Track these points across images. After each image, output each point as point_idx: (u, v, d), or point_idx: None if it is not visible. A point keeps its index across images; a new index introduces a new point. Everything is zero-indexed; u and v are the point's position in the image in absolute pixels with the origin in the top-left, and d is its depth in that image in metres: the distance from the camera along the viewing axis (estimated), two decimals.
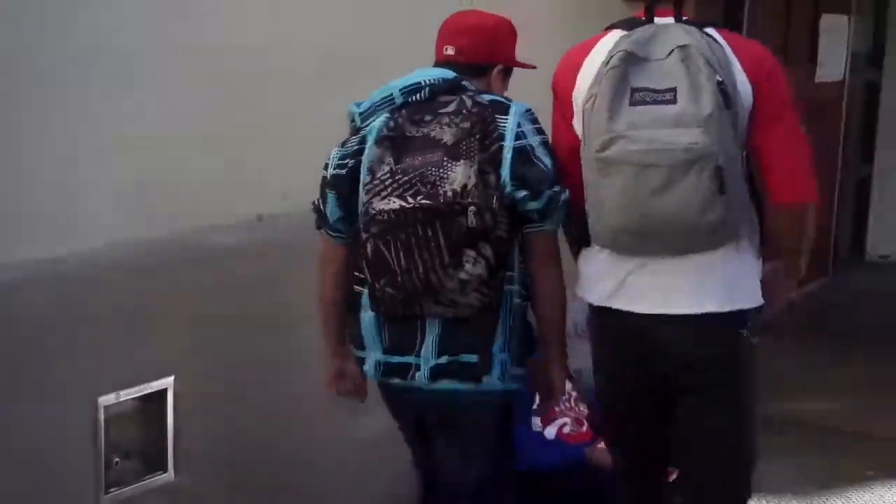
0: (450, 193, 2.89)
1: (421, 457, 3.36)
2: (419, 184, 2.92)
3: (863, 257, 9.19)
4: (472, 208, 2.89)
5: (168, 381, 3.62)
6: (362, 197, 3.03)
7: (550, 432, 4.40)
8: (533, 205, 3.02)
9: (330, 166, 3.15)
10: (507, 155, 3.00)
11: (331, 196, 3.16)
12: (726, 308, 3.08)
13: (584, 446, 4.40)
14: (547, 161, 3.06)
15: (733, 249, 3.06)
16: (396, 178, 2.95)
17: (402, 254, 2.92)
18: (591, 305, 3.26)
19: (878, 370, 6.31)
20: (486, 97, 3.08)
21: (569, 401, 4.51)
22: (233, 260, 3.81)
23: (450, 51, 3.20)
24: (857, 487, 4.95)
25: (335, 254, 3.23)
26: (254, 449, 3.89)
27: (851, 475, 5.06)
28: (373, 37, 4.21)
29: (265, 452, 3.91)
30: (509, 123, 3.03)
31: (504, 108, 3.07)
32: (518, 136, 3.03)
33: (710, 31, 3.04)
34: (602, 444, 4.00)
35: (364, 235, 3.00)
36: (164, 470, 3.66)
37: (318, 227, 3.23)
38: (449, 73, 3.11)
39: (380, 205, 2.95)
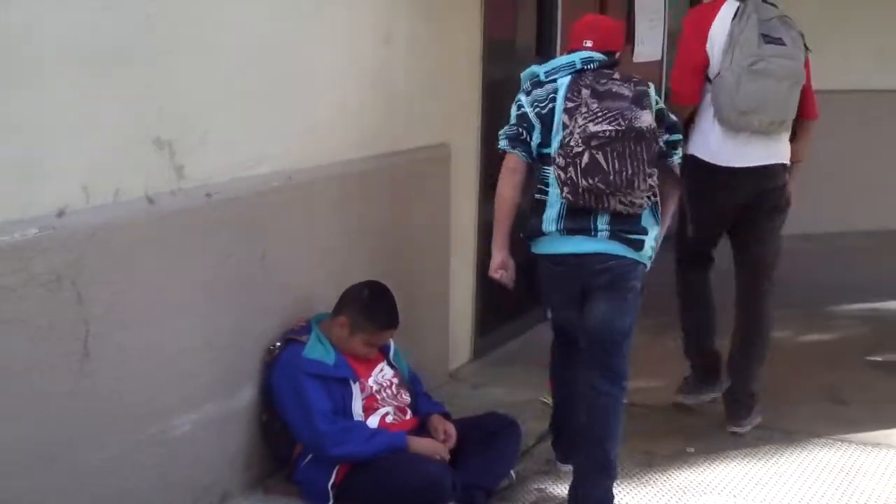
0: (648, 126, 4.19)
1: (571, 317, 4.47)
2: (620, 118, 4.16)
3: None
4: (660, 140, 4.33)
5: None
6: (570, 123, 4.20)
7: (373, 422, 4.35)
8: (671, 140, 4.45)
9: (526, 106, 4.39)
10: (655, 111, 4.31)
11: (537, 127, 4.35)
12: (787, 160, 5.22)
13: (407, 434, 4.39)
14: (673, 117, 4.51)
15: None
16: (604, 111, 4.18)
17: (615, 161, 4.15)
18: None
19: None
20: (633, 75, 4.41)
21: (390, 388, 4.48)
22: None
23: (588, 43, 4.45)
24: (679, 465, 5.01)
25: (523, 167, 4.42)
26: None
27: (672, 452, 5.14)
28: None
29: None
30: (652, 94, 4.34)
31: (648, 84, 4.38)
32: (657, 102, 4.37)
33: (778, 9, 5.14)
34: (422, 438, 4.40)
35: (579, 149, 4.15)
36: None
37: (512, 148, 4.39)
38: (602, 56, 4.41)
39: (595, 128, 4.15)
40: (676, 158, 4.49)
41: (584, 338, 4.46)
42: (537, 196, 4.40)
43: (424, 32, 5.39)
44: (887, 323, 7.23)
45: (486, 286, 6.11)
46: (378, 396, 4.45)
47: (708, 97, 5.10)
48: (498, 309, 6.42)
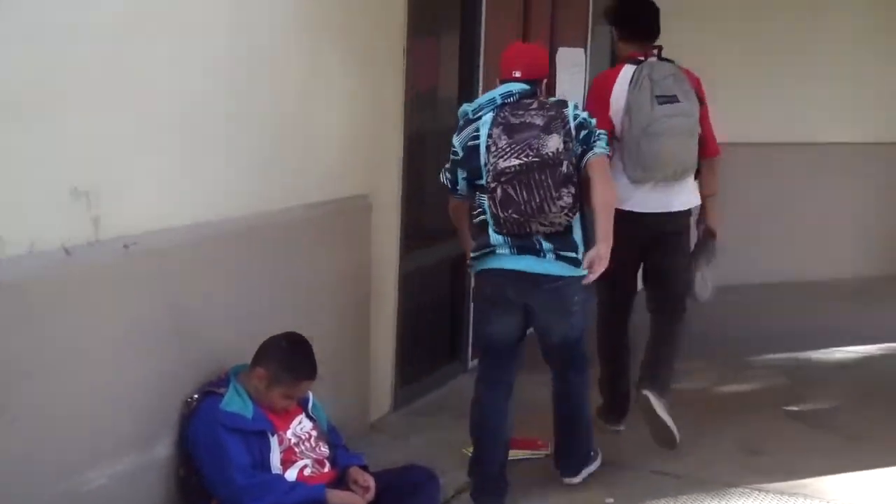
0: (552, 153, 4.65)
1: (508, 333, 4.97)
2: (528, 149, 4.66)
3: None
4: (566, 162, 4.67)
5: None
6: (488, 160, 4.73)
7: (292, 475, 4.33)
8: (586, 147, 4.79)
9: (457, 147, 4.91)
10: (572, 127, 4.77)
11: (466, 164, 4.88)
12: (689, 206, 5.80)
13: (326, 486, 4.37)
14: (592, 121, 4.88)
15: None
16: (512, 146, 4.67)
17: (523, 191, 4.64)
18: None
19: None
20: (551, 99, 4.94)
21: (309, 441, 4.45)
22: None
23: (517, 73, 4.92)
24: None
25: (461, 205, 5.11)
26: None
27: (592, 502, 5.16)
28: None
29: None
30: (569, 111, 4.81)
31: (564, 103, 4.88)
32: (575, 117, 4.81)
33: (677, 64, 5.69)
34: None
35: (493, 185, 4.69)
36: None
37: (449, 189, 5.05)
38: (524, 86, 4.87)
39: (503, 164, 4.67)
40: (598, 149, 4.82)
41: (542, 349, 5.10)
42: (478, 219, 4.95)
43: (345, 84, 5.42)
44: (803, 373, 7.30)
45: (407, 336, 6.12)
46: (297, 449, 4.41)
47: (616, 153, 5.54)
48: (420, 359, 6.43)
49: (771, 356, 7.14)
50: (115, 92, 3.96)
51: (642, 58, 5.67)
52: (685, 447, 5.58)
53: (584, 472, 5.31)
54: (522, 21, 7.42)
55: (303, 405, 4.55)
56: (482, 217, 4.90)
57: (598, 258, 4.72)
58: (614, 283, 5.51)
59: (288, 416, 4.46)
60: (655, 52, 5.72)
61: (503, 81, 4.95)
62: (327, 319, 5.28)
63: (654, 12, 5.87)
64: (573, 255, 4.81)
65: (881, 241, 10.27)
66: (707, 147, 5.80)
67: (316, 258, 5.23)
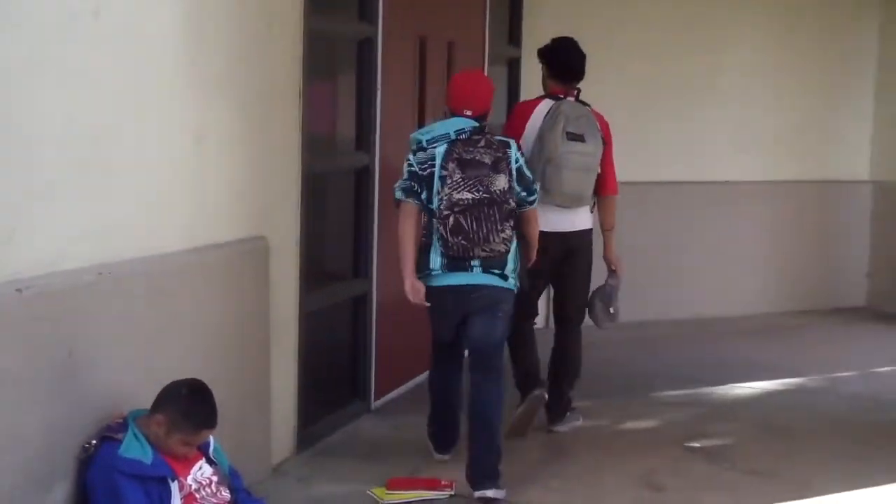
0: (500, 191, 5.41)
1: (453, 334, 5.75)
2: (479, 185, 5.38)
3: None
4: (511, 199, 5.47)
5: None
6: (442, 190, 5.42)
7: None
8: (525, 196, 5.64)
9: (415, 165, 5.56)
10: (514, 170, 5.53)
11: (416, 184, 5.55)
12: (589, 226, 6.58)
13: None
14: (528, 172, 5.69)
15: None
16: (465, 181, 5.39)
17: (473, 223, 5.38)
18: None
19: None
20: (497, 137, 5.61)
21: (210, 486, 4.41)
22: None
23: (468, 112, 5.59)
24: None
25: (416, 210, 5.62)
26: None
27: None
28: None
29: None
30: (512, 153, 5.57)
31: (508, 144, 5.61)
32: (517, 160, 5.59)
33: (590, 108, 6.46)
34: None
35: (446, 213, 5.40)
36: None
37: (406, 198, 5.60)
38: (474, 123, 5.55)
39: (457, 196, 5.38)
40: (530, 206, 5.71)
41: (469, 348, 5.75)
42: (424, 239, 5.63)
43: (240, 128, 5.39)
44: (704, 408, 7.38)
45: (309, 377, 6.08)
46: (197, 495, 4.35)
47: None
48: (322, 399, 6.39)
49: (673, 392, 7.21)
50: (4, 139, 3.90)
51: (563, 96, 6.45)
52: (587, 482, 5.60)
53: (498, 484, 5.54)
54: (419, 64, 7.48)
55: (203, 450, 4.49)
56: (427, 240, 5.60)
57: (530, 259, 5.83)
58: (523, 301, 6.05)
59: (188, 462, 4.40)
60: (575, 92, 6.48)
61: (453, 113, 5.63)
62: (226, 362, 5.23)
63: (582, 57, 6.60)
64: (499, 270, 5.54)
65: (778, 277, 10.46)
66: (607, 185, 6.54)
67: (213, 300, 5.19)
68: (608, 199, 6.60)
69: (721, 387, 7.87)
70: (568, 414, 6.64)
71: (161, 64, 4.83)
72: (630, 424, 7.03)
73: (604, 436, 6.65)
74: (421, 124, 7.05)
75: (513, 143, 5.65)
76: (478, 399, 5.60)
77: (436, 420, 6.09)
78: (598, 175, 6.44)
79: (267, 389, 5.71)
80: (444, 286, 5.58)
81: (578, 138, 6.26)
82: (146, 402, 4.38)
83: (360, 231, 6.83)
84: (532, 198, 5.69)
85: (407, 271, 5.61)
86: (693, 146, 9.96)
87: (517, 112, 6.72)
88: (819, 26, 10.41)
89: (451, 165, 5.39)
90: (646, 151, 9.15)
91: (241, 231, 5.45)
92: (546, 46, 6.74)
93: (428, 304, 5.64)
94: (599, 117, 6.48)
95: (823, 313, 10.39)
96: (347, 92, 6.81)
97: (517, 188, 5.55)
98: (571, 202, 6.35)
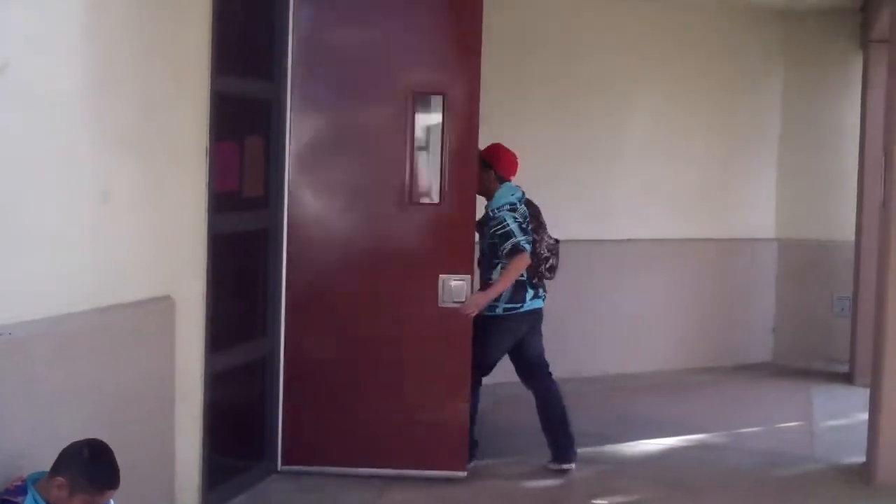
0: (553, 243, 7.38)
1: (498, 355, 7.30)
2: (547, 238, 7.35)
3: None
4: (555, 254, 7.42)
5: None
6: (540, 238, 7.26)
7: None
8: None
9: (522, 221, 7.08)
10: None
11: (529, 239, 7.09)
12: None
13: None
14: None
15: None
16: (539, 231, 7.28)
17: (550, 263, 7.32)
18: None
19: None
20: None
21: None
22: None
23: (513, 178, 7.21)
24: None
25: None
26: None
27: None
28: None
29: None
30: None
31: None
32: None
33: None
34: None
35: (546, 254, 7.29)
36: None
37: (524, 250, 6.98)
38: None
39: (548, 241, 7.33)
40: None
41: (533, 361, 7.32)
42: (520, 279, 7.07)
43: (146, 187, 5.38)
44: (611, 465, 7.43)
45: (215, 438, 6.03)
46: None
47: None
48: (228, 461, 6.33)
49: (580, 449, 7.23)
50: None
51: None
52: None
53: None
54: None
55: None
56: (522, 279, 7.06)
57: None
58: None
59: None
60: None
61: (506, 180, 7.16)
62: (130, 424, 5.16)
63: None
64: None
65: (684, 333, 10.55)
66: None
67: (118, 361, 5.13)
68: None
69: (628, 443, 7.92)
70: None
71: (68, 120, 4.81)
72: (537, 482, 7.04)
73: (512, 493, 6.65)
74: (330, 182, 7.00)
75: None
76: (558, 396, 7.25)
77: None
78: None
79: (171, 451, 5.65)
80: (531, 310, 7.15)
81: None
82: (45, 464, 4.31)
83: (269, 290, 6.81)
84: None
85: (491, 295, 6.96)
86: (597, 205, 10.07)
87: None
88: (721, 86, 10.59)
89: (534, 224, 7.16)
90: (555, 211, 9.21)
91: (147, 291, 5.42)
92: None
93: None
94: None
95: (730, 369, 10.51)
96: (255, 151, 6.81)
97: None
98: None
